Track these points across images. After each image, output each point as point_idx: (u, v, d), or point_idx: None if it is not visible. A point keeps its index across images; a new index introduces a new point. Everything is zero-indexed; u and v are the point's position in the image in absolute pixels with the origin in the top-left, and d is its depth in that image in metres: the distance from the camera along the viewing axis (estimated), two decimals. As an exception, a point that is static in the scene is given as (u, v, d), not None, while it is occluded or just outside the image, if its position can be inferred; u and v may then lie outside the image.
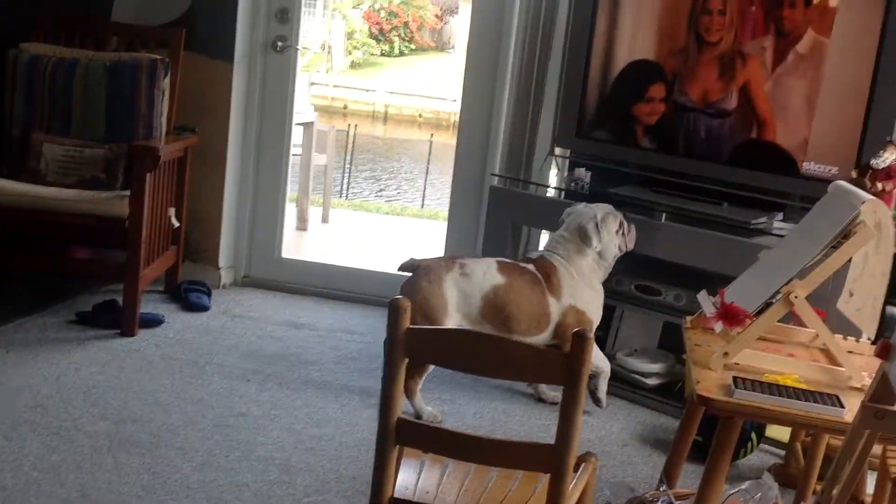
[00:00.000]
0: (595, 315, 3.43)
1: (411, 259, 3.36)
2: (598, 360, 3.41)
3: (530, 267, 3.38)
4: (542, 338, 3.36)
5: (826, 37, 3.29)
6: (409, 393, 3.27)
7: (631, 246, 3.47)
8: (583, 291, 3.39)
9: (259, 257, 4.71)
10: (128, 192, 3.79)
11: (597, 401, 3.46)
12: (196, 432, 3.06)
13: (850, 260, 2.31)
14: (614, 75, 3.80)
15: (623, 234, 3.43)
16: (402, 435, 1.93)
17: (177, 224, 4.24)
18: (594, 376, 3.42)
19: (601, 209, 3.43)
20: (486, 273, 3.30)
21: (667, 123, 3.69)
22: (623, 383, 3.67)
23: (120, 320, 3.83)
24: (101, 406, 3.18)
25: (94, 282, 4.33)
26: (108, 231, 3.79)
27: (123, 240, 3.76)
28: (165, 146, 3.93)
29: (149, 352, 3.69)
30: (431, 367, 3.28)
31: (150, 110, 4.09)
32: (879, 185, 2.85)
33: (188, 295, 4.27)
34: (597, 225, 3.37)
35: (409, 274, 3.31)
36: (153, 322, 3.96)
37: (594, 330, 3.44)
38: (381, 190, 12.40)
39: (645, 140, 3.75)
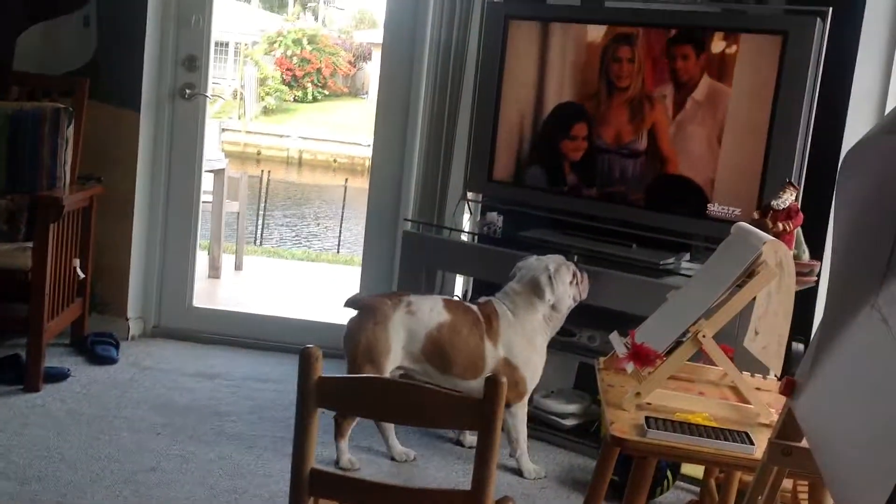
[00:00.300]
0: (531, 374, 3.33)
1: (356, 295, 3.34)
2: (521, 430, 3.35)
3: (474, 307, 3.35)
4: (476, 384, 3.24)
5: (725, 84, 3.39)
6: (339, 433, 3.25)
7: (584, 295, 3.39)
8: (522, 347, 3.31)
9: (169, 307, 4.62)
10: (30, 244, 3.70)
11: (521, 472, 3.36)
12: (104, 489, 2.97)
13: (754, 299, 2.37)
14: (525, 120, 3.86)
15: (577, 283, 3.36)
16: (315, 486, 1.90)
17: (82, 275, 4.14)
18: (515, 441, 3.36)
19: (553, 260, 3.35)
20: (433, 310, 3.27)
21: (577, 167, 3.75)
22: (541, 425, 3.68)
23: (23, 375, 3.71)
24: (4, 465, 3.06)
25: (-3, 335, 4.20)
26: (10, 283, 3.69)
27: (26, 292, 3.66)
28: (69, 196, 3.85)
29: (54, 407, 3.58)
30: None
31: (53, 160, 4.00)
32: (780, 225, 2.94)
33: (95, 347, 4.16)
34: (550, 277, 3.30)
35: (354, 311, 3.28)
36: (58, 376, 3.84)
37: (528, 389, 3.35)
38: (295, 236, 12.32)
39: (556, 184, 3.80)
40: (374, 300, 3.30)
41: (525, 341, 3.32)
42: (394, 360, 3.22)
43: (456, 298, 3.38)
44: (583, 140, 3.72)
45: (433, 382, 3.20)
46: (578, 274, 3.38)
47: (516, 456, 3.36)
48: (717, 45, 3.39)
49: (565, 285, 3.33)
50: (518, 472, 3.36)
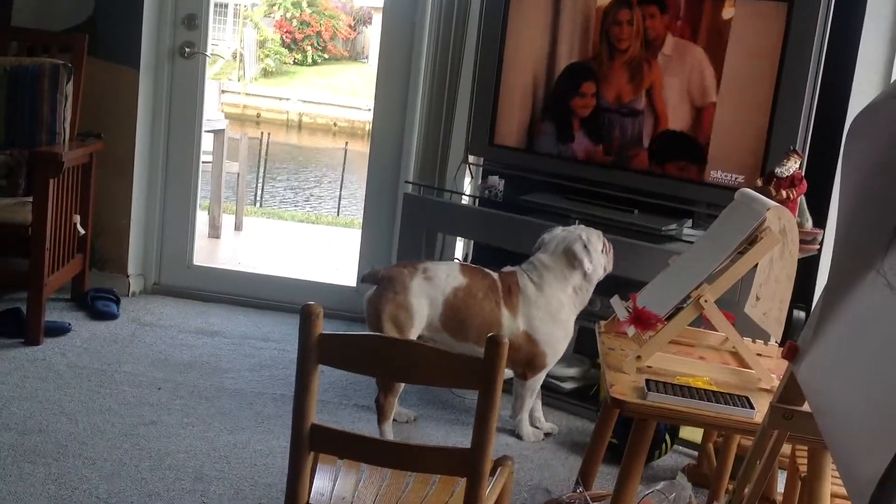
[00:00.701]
0: (552, 350, 3.25)
1: (373, 268, 3.27)
2: (528, 400, 3.32)
3: (493, 275, 3.26)
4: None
5: (730, 51, 3.37)
6: (382, 415, 3.16)
7: (611, 267, 3.31)
8: (544, 322, 3.22)
9: (169, 265, 4.62)
10: (30, 199, 3.69)
11: (520, 436, 3.35)
12: (104, 442, 2.98)
13: (756, 265, 2.37)
14: (528, 83, 3.83)
15: (606, 252, 3.29)
16: (316, 441, 1.91)
17: (82, 231, 4.13)
18: (519, 407, 3.33)
19: (584, 230, 3.26)
20: (449, 275, 3.20)
21: (580, 131, 3.73)
22: (540, 388, 3.69)
23: (24, 329, 3.72)
24: (5, 416, 3.07)
25: (-3, 290, 4.20)
26: (10, 238, 3.69)
27: (27, 247, 3.65)
28: (69, 152, 3.83)
29: (54, 361, 3.59)
30: (403, 386, 3.20)
31: (52, 116, 3.98)
32: (784, 193, 2.93)
33: (95, 303, 4.17)
34: (585, 246, 3.21)
35: (372, 285, 3.21)
36: (59, 330, 3.85)
37: (548, 364, 3.28)
38: (295, 197, 12.31)
39: (558, 148, 3.79)
40: (391, 270, 3.22)
41: (548, 316, 3.22)
42: (418, 328, 3.16)
43: (472, 265, 3.28)
44: (587, 103, 3.70)
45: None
46: (606, 243, 3.30)
47: (516, 420, 3.36)
48: (724, 11, 3.36)
49: (598, 254, 3.24)
50: (516, 435, 3.36)
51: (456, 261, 3.31)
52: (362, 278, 3.30)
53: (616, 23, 3.60)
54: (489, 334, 3.06)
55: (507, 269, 3.32)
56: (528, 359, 3.24)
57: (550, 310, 3.22)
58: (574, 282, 3.24)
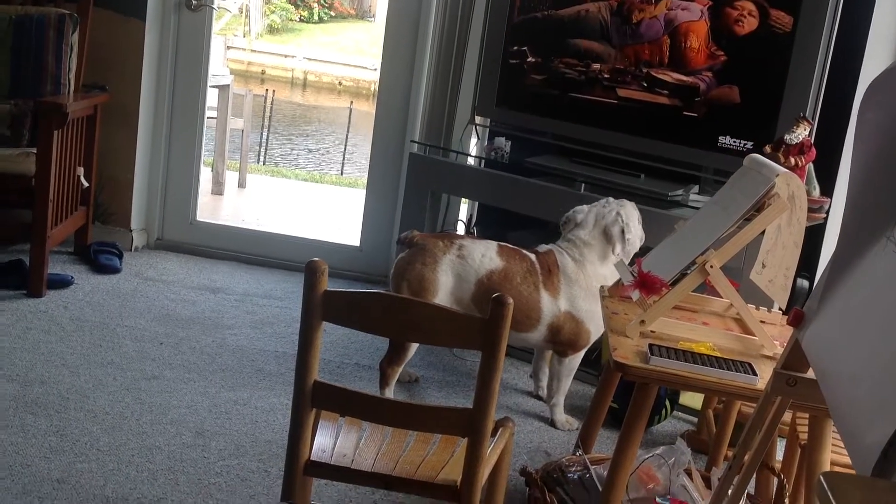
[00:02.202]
0: (596, 326, 3.17)
1: (411, 232, 3.19)
2: (566, 381, 3.25)
3: (531, 256, 3.17)
4: (533, 336, 3.16)
5: (742, 15, 3.33)
6: (384, 381, 3.14)
7: (644, 236, 3.24)
8: (586, 300, 3.15)
9: (173, 220, 4.61)
10: (34, 150, 3.67)
11: (553, 423, 3.26)
12: (106, 395, 2.99)
13: (763, 232, 2.35)
14: (537, 44, 3.80)
15: (640, 221, 3.22)
16: (318, 398, 1.91)
17: (86, 184, 4.12)
18: (556, 390, 3.26)
19: (619, 205, 3.18)
20: (485, 256, 3.11)
21: (588, 94, 3.70)
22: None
23: (27, 280, 3.72)
24: (7, 368, 3.08)
25: (0, 241, 4.19)
26: (13, 189, 3.68)
27: (30, 198, 3.65)
28: (74, 103, 3.81)
29: (57, 313, 3.59)
30: (412, 354, 3.17)
31: (57, 66, 3.95)
32: (792, 160, 2.91)
33: (98, 256, 4.16)
34: (622, 230, 3.13)
35: (406, 248, 3.15)
36: (62, 283, 3.85)
37: (591, 341, 3.22)
38: (299, 156, 12.27)
39: (565, 110, 3.76)
40: (426, 240, 3.14)
41: (590, 294, 3.14)
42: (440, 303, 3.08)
43: (510, 246, 3.19)
44: (595, 67, 3.67)
45: None
46: (639, 214, 3.23)
47: (550, 403, 3.28)
48: (738, -26, 3.32)
49: (637, 226, 3.18)
50: (550, 422, 3.27)
51: (493, 241, 3.18)
52: (398, 239, 3.24)
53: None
54: (529, 320, 3.10)
55: (543, 247, 3.23)
56: (571, 338, 3.17)
57: (592, 287, 3.14)
58: (613, 260, 3.15)
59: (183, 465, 2.64)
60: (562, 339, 3.17)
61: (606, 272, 3.15)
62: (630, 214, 3.17)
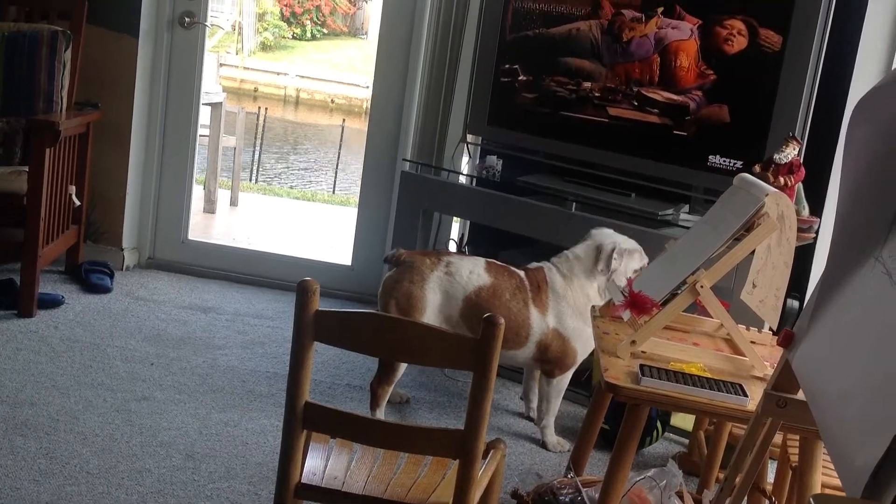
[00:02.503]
0: (582, 345, 3.16)
1: (397, 250, 3.18)
2: (555, 402, 3.22)
3: (520, 272, 3.16)
4: (522, 354, 3.16)
5: (732, 34, 3.34)
6: (375, 402, 3.12)
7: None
8: (573, 318, 3.13)
9: (164, 239, 4.60)
10: (26, 168, 3.67)
11: (545, 445, 3.24)
12: (96, 417, 2.98)
13: (753, 251, 2.36)
14: (529, 63, 3.81)
15: (638, 271, 3.11)
16: (309, 419, 1.90)
17: (78, 203, 4.11)
18: (545, 411, 3.24)
19: (630, 243, 3.14)
20: (472, 272, 3.11)
21: (579, 113, 3.71)
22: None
23: (17, 300, 3.70)
24: (-4, 389, 3.07)
25: (-10, 261, 4.19)
26: (5, 207, 3.67)
27: (21, 217, 3.64)
28: (66, 121, 3.80)
29: (47, 333, 3.58)
30: (401, 374, 3.16)
31: (50, 83, 3.95)
32: (782, 180, 2.92)
33: (89, 276, 4.15)
34: (613, 253, 3.08)
35: (391, 267, 3.15)
36: (52, 303, 3.84)
37: (578, 361, 3.20)
38: (291, 174, 12.26)
39: (556, 129, 3.77)
40: (414, 257, 3.15)
41: (577, 311, 3.13)
42: (427, 321, 3.07)
43: (498, 262, 3.19)
44: (586, 85, 3.68)
45: None
46: (646, 264, 3.09)
47: (540, 425, 3.26)
48: (728, -6, 3.34)
49: (625, 268, 3.08)
50: (541, 444, 3.25)
51: (481, 258, 3.18)
52: (385, 258, 3.24)
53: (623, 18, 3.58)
54: (518, 337, 3.09)
55: (534, 264, 3.23)
56: (557, 356, 3.16)
57: (579, 305, 3.12)
58: (600, 280, 3.13)
59: (173, 487, 2.63)
60: (549, 357, 3.16)
61: (592, 292, 3.14)
62: (630, 251, 3.11)
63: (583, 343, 3.15)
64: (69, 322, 3.72)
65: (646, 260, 3.11)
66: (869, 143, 1.52)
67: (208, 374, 3.42)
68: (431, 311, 3.10)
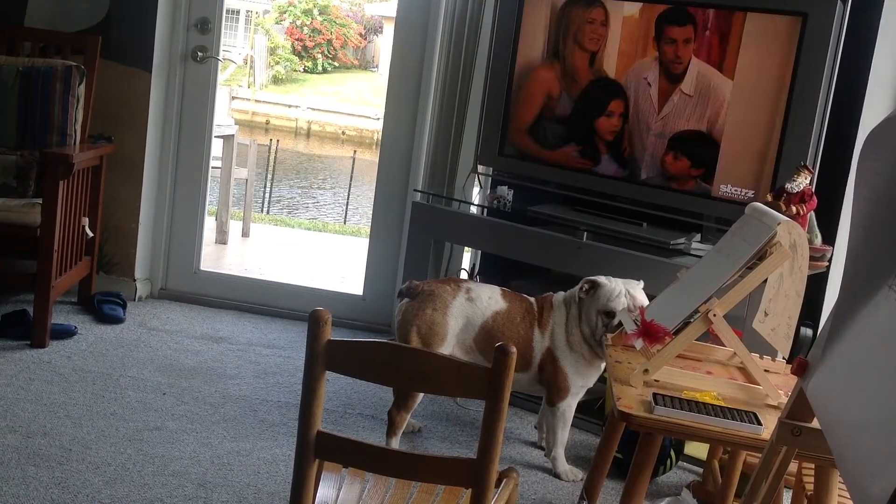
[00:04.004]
0: (573, 370, 3.14)
1: (411, 282, 3.18)
2: (560, 431, 3.19)
3: (531, 298, 3.22)
4: (526, 377, 3.17)
5: (743, 64, 3.36)
6: (392, 429, 3.11)
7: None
8: (563, 341, 3.15)
9: (177, 270, 4.62)
10: (40, 200, 3.70)
11: (557, 475, 3.20)
12: (108, 446, 2.98)
13: (765, 280, 2.36)
14: (539, 95, 3.83)
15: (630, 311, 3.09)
16: (321, 449, 1.90)
17: (90, 234, 4.14)
18: (552, 442, 3.21)
19: (633, 286, 3.10)
20: (491, 298, 3.14)
21: (590, 144, 3.73)
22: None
23: (30, 331, 3.72)
24: (10, 419, 3.07)
25: (4, 291, 4.20)
26: (18, 239, 3.69)
27: (35, 248, 3.66)
28: (79, 154, 3.83)
29: (60, 364, 3.58)
30: (419, 401, 3.17)
31: (64, 117, 3.99)
32: (794, 209, 2.93)
33: (102, 306, 4.17)
34: (582, 295, 3.10)
35: (406, 299, 3.14)
36: (65, 333, 3.85)
37: (570, 385, 3.15)
38: (302, 205, 12.31)
39: (568, 160, 3.78)
40: (433, 285, 3.15)
41: (569, 348, 3.15)
42: (447, 349, 3.09)
43: (512, 291, 3.23)
44: (600, 118, 3.70)
45: None
46: (642, 307, 2.97)
47: (550, 457, 3.24)
48: (736, 24, 3.36)
49: (604, 308, 3.05)
50: (553, 474, 3.21)
51: (496, 286, 3.21)
52: (399, 292, 3.23)
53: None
54: (524, 360, 3.10)
55: (548, 294, 3.26)
56: (550, 379, 3.17)
57: (575, 340, 3.14)
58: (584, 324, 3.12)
59: (185, 516, 2.62)
60: (544, 379, 3.19)
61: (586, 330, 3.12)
62: (616, 296, 3.06)
63: (574, 368, 3.15)
64: (82, 352, 3.73)
65: (638, 299, 3.06)
66: (881, 173, 1.53)
67: (220, 404, 3.42)
68: (451, 338, 3.11)
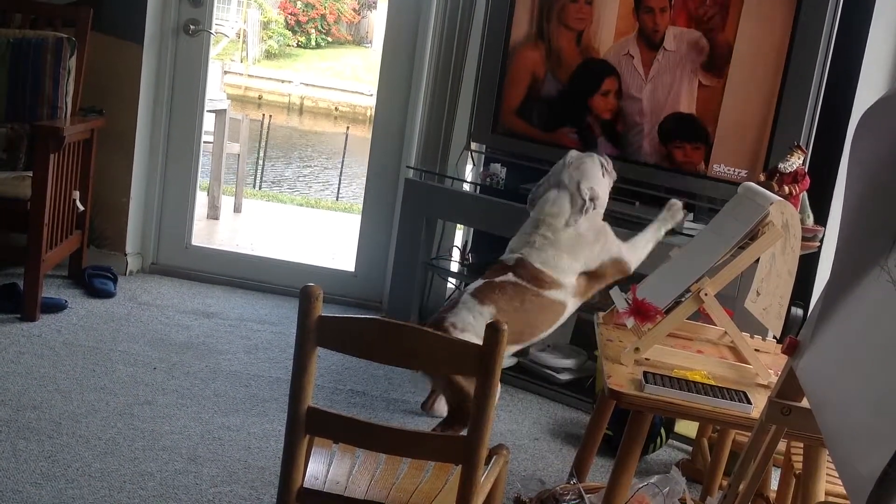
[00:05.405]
0: (616, 249, 3.09)
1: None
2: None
3: (509, 278, 3.01)
4: (563, 318, 3.09)
5: (737, 42, 3.35)
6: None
7: (615, 176, 3.20)
8: (592, 249, 3.06)
9: (168, 244, 4.61)
10: (30, 173, 3.67)
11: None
12: (98, 420, 2.97)
13: (757, 260, 2.36)
14: (531, 71, 3.81)
15: (607, 173, 3.15)
16: (312, 424, 1.90)
17: (81, 208, 4.12)
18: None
19: (573, 171, 3.07)
20: (481, 314, 2.93)
21: (582, 121, 3.72)
22: (535, 378, 3.70)
23: (21, 304, 3.71)
24: (0, 392, 3.07)
25: (-6, 265, 4.19)
26: (9, 213, 3.68)
27: (25, 222, 3.64)
28: (70, 127, 3.81)
29: (50, 337, 3.58)
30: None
31: (55, 90, 3.96)
32: (786, 189, 2.93)
33: (93, 280, 4.15)
34: (585, 204, 3.02)
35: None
36: (55, 307, 3.84)
37: (630, 262, 3.11)
38: (295, 180, 12.28)
39: (561, 137, 3.77)
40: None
41: (586, 246, 3.05)
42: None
43: (489, 282, 3.03)
44: (591, 95, 3.68)
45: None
46: (605, 163, 3.15)
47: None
48: (731, 3, 3.34)
49: (600, 185, 3.09)
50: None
51: (468, 297, 3.01)
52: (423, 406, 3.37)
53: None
54: (548, 320, 3.02)
55: (509, 258, 3.09)
56: (612, 271, 3.10)
57: (575, 241, 3.05)
58: (583, 226, 3.06)
59: (175, 491, 2.62)
60: (607, 276, 3.11)
61: (580, 230, 3.06)
62: (590, 178, 3.07)
63: (616, 247, 3.10)
64: (72, 326, 3.72)
65: (596, 158, 3.11)
66: (874, 153, 1.52)
67: (211, 379, 3.42)
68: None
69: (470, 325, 2.92)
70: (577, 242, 3.06)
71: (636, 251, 3.14)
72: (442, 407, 3.26)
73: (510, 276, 3.02)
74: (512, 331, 2.96)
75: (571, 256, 3.05)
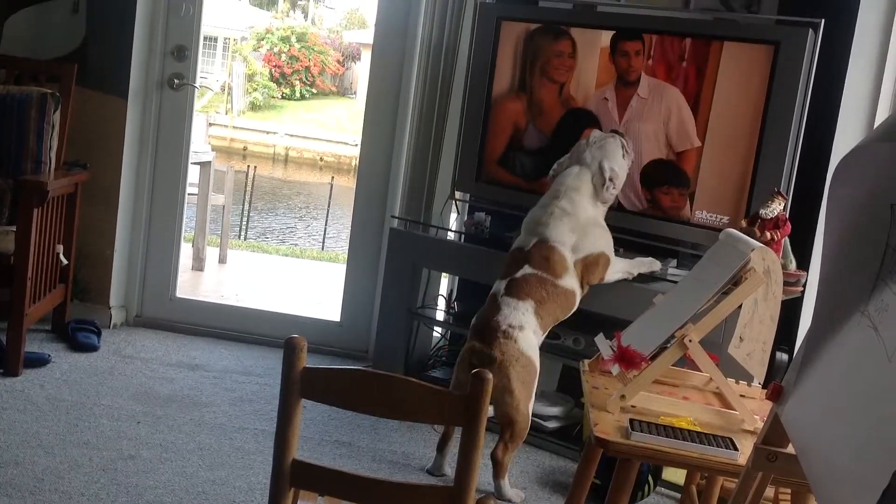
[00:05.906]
0: (608, 248, 3.28)
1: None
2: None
3: (527, 269, 3.20)
4: (575, 306, 3.27)
5: (717, 93, 3.39)
6: (499, 471, 3.14)
7: (632, 156, 3.39)
8: (595, 232, 3.26)
9: (152, 297, 4.59)
10: (14, 228, 3.67)
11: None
12: (81, 476, 2.94)
13: (740, 306, 2.37)
14: (515, 121, 3.85)
15: (627, 153, 3.34)
16: (297, 477, 1.88)
17: (65, 261, 4.11)
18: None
19: (594, 155, 3.29)
20: (525, 312, 3.14)
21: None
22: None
23: (3, 359, 3.68)
24: (-20, 450, 3.04)
25: (-24, 320, 4.16)
26: (-8, 267, 3.66)
27: (9, 276, 3.63)
28: (54, 181, 3.82)
29: (33, 392, 3.55)
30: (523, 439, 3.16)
31: (39, 145, 3.97)
32: (768, 234, 2.95)
33: (76, 334, 4.13)
34: (608, 180, 3.25)
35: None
36: (38, 361, 3.81)
37: (607, 271, 3.28)
38: (280, 231, 12.30)
39: (542, 186, 3.79)
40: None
41: (587, 227, 3.26)
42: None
43: (514, 278, 3.21)
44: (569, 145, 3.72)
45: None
46: (626, 144, 3.34)
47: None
48: (709, 53, 3.39)
49: (620, 165, 3.29)
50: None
51: (505, 298, 3.18)
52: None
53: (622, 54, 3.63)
54: (566, 306, 3.20)
55: (525, 244, 3.26)
56: (593, 272, 3.26)
57: (589, 222, 3.26)
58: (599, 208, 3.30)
59: (159, 547, 2.59)
60: (593, 262, 3.26)
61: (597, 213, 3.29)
62: (614, 162, 3.27)
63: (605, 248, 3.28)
64: (55, 381, 3.69)
65: (618, 140, 3.32)
66: (851, 200, 1.54)
67: (196, 432, 3.39)
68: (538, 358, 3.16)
69: (526, 323, 3.13)
70: (591, 221, 3.25)
71: (617, 261, 3.33)
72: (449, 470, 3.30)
73: (528, 269, 3.20)
74: (548, 318, 3.17)
75: (582, 233, 3.23)
